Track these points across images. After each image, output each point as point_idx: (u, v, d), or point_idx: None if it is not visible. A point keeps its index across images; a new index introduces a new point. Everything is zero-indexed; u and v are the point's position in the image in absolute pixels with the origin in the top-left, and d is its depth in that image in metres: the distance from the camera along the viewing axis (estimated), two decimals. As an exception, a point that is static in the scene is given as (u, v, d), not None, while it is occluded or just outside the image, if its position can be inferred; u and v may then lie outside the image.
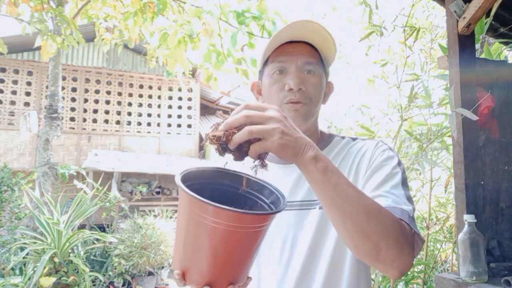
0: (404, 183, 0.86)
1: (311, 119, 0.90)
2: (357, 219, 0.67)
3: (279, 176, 0.92)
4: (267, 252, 0.89)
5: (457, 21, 1.72)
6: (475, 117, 1.57)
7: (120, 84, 10.20)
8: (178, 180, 0.63)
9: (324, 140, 0.99)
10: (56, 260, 3.93)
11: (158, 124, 10.46)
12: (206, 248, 0.63)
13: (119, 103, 10.15)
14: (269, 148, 0.62)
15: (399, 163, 0.88)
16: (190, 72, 4.97)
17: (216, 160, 0.89)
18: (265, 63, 0.93)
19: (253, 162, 0.66)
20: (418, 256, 3.02)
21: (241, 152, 0.63)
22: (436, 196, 2.87)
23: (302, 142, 0.65)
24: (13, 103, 9.22)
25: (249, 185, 0.72)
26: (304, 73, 0.88)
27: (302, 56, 0.88)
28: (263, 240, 0.67)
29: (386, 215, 0.71)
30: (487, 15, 1.91)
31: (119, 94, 10.17)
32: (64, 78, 9.32)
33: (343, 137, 1.00)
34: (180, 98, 10.70)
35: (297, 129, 0.66)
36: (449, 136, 2.28)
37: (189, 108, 10.77)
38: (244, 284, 0.69)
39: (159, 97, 10.52)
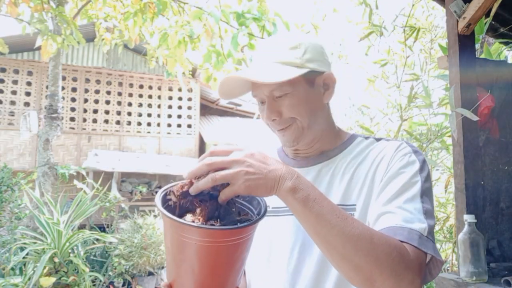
0: (425, 193, 0.76)
1: (306, 133, 0.84)
2: (344, 251, 0.63)
3: None
4: (274, 257, 0.86)
5: (457, 21, 1.72)
6: (475, 117, 1.57)
7: (120, 84, 10.20)
8: (157, 200, 0.66)
9: (343, 141, 0.90)
10: (56, 260, 3.93)
11: (158, 124, 10.46)
12: (187, 262, 0.64)
13: (119, 103, 10.15)
14: (237, 191, 0.62)
15: (422, 169, 0.78)
16: (190, 72, 4.97)
17: None
18: None
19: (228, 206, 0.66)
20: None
21: (211, 201, 0.64)
22: (436, 196, 2.88)
23: (275, 175, 0.64)
24: (13, 103, 9.22)
25: (240, 196, 0.71)
26: (276, 98, 0.82)
27: (265, 86, 0.81)
28: (246, 251, 0.67)
29: (379, 243, 0.64)
30: (487, 15, 1.91)
31: (119, 94, 10.17)
32: (64, 78, 9.32)
33: (366, 138, 0.91)
34: (180, 98, 10.70)
35: (268, 163, 0.65)
36: (449, 136, 2.28)
37: (189, 108, 10.77)
38: None
39: (159, 97, 10.52)
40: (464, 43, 1.73)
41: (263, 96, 0.84)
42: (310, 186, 0.67)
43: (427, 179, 0.78)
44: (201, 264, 0.64)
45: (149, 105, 10.42)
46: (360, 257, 0.63)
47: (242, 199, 0.72)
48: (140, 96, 10.39)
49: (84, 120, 9.80)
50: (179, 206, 0.66)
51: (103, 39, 5.10)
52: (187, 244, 0.62)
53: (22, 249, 4.08)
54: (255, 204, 0.72)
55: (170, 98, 10.63)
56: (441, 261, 0.72)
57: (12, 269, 4.22)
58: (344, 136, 0.92)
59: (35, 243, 4.01)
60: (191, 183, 0.65)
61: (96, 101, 9.94)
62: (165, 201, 0.68)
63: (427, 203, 0.74)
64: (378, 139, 0.88)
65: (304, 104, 0.83)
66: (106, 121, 10.01)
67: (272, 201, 0.81)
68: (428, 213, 0.73)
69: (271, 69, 0.80)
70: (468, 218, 1.48)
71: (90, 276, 4.20)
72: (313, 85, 0.84)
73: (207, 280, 0.66)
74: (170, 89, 10.58)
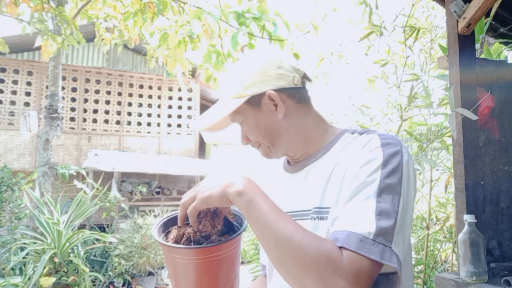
0: (385, 191, 0.69)
1: (272, 150, 0.88)
2: (276, 252, 0.66)
3: (285, 183, 0.93)
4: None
5: (457, 21, 1.72)
6: (474, 117, 1.57)
7: (120, 84, 10.20)
8: (153, 230, 0.80)
9: (330, 140, 0.87)
10: (56, 260, 3.92)
11: (158, 124, 10.46)
12: (183, 280, 0.75)
13: (119, 103, 10.15)
14: (196, 205, 0.74)
15: (385, 164, 0.71)
16: (190, 73, 4.97)
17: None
18: None
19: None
20: (418, 256, 3.02)
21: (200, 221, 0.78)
22: (436, 196, 2.88)
23: (222, 184, 0.74)
24: (13, 103, 9.22)
25: (233, 218, 0.83)
26: (241, 127, 0.90)
27: (229, 118, 0.90)
28: (233, 263, 0.78)
29: (307, 246, 0.63)
30: (487, 15, 1.91)
31: (119, 94, 10.17)
32: (64, 78, 9.32)
33: (353, 132, 0.86)
34: (180, 98, 10.70)
35: (217, 182, 0.75)
36: (449, 136, 2.28)
37: (189, 108, 10.77)
38: None
39: (159, 97, 10.52)
40: (464, 43, 1.73)
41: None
42: (256, 190, 0.71)
43: (391, 174, 0.70)
44: (191, 278, 0.74)
45: (149, 105, 10.42)
46: (288, 260, 0.64)
47: (235, 221, 0.83)
48: (140, 96, 10.39)
49: (84, 120, 9.80)
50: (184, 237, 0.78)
51: (103, 39, 5.10)
52: (176, 263, 0.74)
53: (22, 249, 4.08)
54: (243, 223, 0.82)
55: (170, 98, 10.63)
56: (396, 268, 0.64)
57: (12, 269, 4.22)
58: (333, 134, 0.88)
59: (35, 243, 4.01)
60: (179, 227, 0.79)
61: (96, 101, 9.94)
62: (165, 230, 0.83)
63: (386, 201, 0.67)
64: (361, 133, 0.83)
65: (258, 127, 0.86)
66: (106, 121, 10.01)
67: (288, 205, 0.84)
68: (383, 213, 0.66)
69: (221, 105, 0.88)
70: (468, 218, 1.48)
71: (90, 276, 4.20)
72: (260, 107, 0.85)
73: None
74: (170, 89, 10.58)
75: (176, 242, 0.75)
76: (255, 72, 0.84)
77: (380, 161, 0.71)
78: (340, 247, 0.63)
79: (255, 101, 0.84)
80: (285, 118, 0.85)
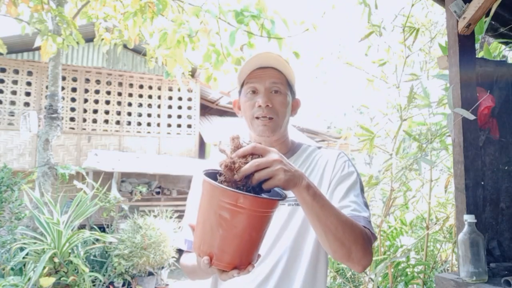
0: (362, 191, 1.08)
1: (278, 130, 1.10)
2: (336, 232, 0.88)
3: None
4: None
5: (457, 21, 1.72)
6: (472, 117, 1.57)
7: (120, 84, 10.20)
8: (204, 176, 0.79)
9: (293, 148, 1.18)
10: (56, 260, 3.92)
11: (158, 124, 10.45)
12: (234, 232, 0.76)
13: (119, 103, 10.14)
14: (276, 184, 0.79)
15: (357, 174, 1.10)
16: (190, 73, 4.97)
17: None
18: (242, 85, 1.14)
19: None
20: (418, 256, 3.02)
21: (245, 186, 0.79)
22: (436, 196, 2.87)
23: (299, 174, 0.83)
24: (13, 103, 9.21)
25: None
26: (272, 92, 1.08)
27: (269, 78, 1.08)
28: (267, 226, 0.82)
29: (356, 226, 0.92)
30: (486, 15, 1.91)
31: (119, 94, 10.17)
32: (64, 78, 9.31)
33: (309, 145, 1.20)
34: (180, 98, 10.70)
35: (292, 164, 0.83)
36: (448, 136, 2.28)
37: (189, 108, 10.76)
38: (256, 261, 0.83)
39: (159, 97, 10.52)
40: (464, 43, 1.73)
41: (261, 86, 1.08)
42: (314, 185, 0.87)
43: (361, 180, 1.10)
44: (249, 233, 0.77)
45: (149, 105, 10.41)
46: (346, 236, 0.89)
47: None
48: (140, 96, 10.38)
49: (84, 120, 9.80)
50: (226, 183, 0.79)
51: (102, 39, 5.09)
52: (238, 214, 0.74)
53: (22, 249, 4.08)
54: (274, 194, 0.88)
55: (170, 98, 10.62)
56: (375, 237, 1.01)
57: (12, 269, 4.22)
58: (294, 144, 1.19)
59: (35, 243, 4.01)
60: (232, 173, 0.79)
61: (96, 101, 9.94)
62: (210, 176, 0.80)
63: (365, 198, 1.07)
64: (319, 147, 1.19)
65: (286, 106, 1.10)
66: (106, 121, 10.00)
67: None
68: (367, 205, 1.04)
69: (288, 70, 1.10)
70: (468, 218, 1.47)
71: (90, 276, 4.20)
72: (291, 98, 1.14)
73: (249, 248, 0.79)
74: (170, 89, 10.58)
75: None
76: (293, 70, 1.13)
77: (356, 172, 1.10)
78: (364, 226, 0.96)
79: (292, 95, 1.15)
80: (290, 116, 1.15)
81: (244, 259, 0.79)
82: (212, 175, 0.83)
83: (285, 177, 0.78)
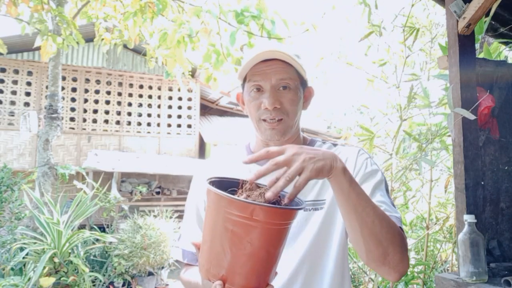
0: (388, 191, 0.95)
1: (290, 131, 0.97)
2: (373, 226, 0.76)
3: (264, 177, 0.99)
4: None
5: (457, 21, 1.72)
6: (472, 117, 1.57)
7: (120, 84, 10.20)
8: (211, 187, 0.67)
9: (307, 143, 1.05)
10: (56, 260, 3.92)
11: (158, 124, 10.45)
12: (249, 250, 0.65)
13: (119, 103, 10.14)
14: (310, 176, 0.68)
15: (382, 173, 0.97)
16: (190, 73, 4.97)
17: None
18: (245, 79, 0.99)
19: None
20: (418, 256, 3.02)
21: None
22: (436, 196, 2.87)
23: (330, 155, 0.72)
24: (13, 103, 9.21)
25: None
26: (280, 89, 0.94)
27: (276, 74, 0.93)
28: (285, 239, 0.71)
29: (393, 224, 0.80)
30: (487, 15, 1.91)
31: (119, 94, 10.16)
32: (64, 78, 9.31)
33: (324, 142, 1.06)
34: (180, 98, 10.70)
35: (315, 148, 0.73)
36: (448, 136, 2.28)
37: (189, 108, 10.76)
38: (272, 280, 0.73)
39: (159, 97, 10.51)
40: (464, 43, 1.73)
41: (266, 84, 0.93)
42: (350, 171, 0.76)
43: (385, 178, 0.97)
44: (266, 250, 0.66)
45: (149, 105, 10.41)
46: (383, 233, 0.76)
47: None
48: (140, 96, 10.38)
49: (84, 120, 9.80)
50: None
51: (102, 39, 5.09)
52: (253, 229, 0.64)
53: (22, 249, 4.08)
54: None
55: (170, 98, 10.62)
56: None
57: (12, 269, 4.22)
58: (306, 140, 1.06)
59: (35, 243, 4.01)
60: (252, 183, 0.71)
61: (96, 101, 9.94)
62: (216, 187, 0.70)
63: (391, 198, 0.95)
64: (334, 144, 1.05)
65: (297, 103, 0.96)
66: (106, 121, 10.00)
67: None
68: (395, 206, 0.92)
69: (294, 59, 0.93)
70: (468, 218, 1.47)
71: (90, 276, 4.20)
72: (302, 92, 0.99)
73: (266, 267, 0.68)
74: (170, 89, 10.58)
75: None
76: (309, 67, 1.03)
77: (380, 169, 0.97)
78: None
79: (304, 86, 1.00)
80: (303, 110, 1.02)
81: (261, 281, 0.68)
82: (217, 183, 0.73)
83: (316, 165, 0.68)
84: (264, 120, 0.94)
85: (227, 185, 0.75)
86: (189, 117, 10.72)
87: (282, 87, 0.94)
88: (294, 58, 0.93)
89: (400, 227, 0.83)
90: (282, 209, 0.66)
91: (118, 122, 10.09)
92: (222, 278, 0.67)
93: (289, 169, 0.67)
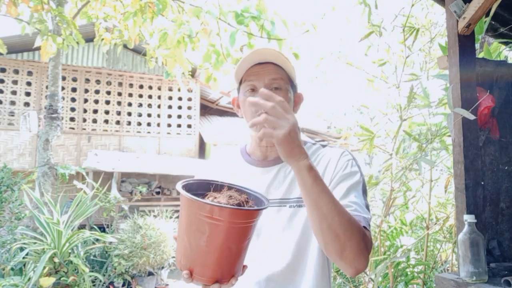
0: (365, 192, 1.01)
1: None
2: (332, 222, 0.81)
3: (256, 176, 1.07)
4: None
5: (457, 21, 1.72)
6: (472, 117, 1.57)
7: (120, 84, 10.20)
8: (180, 189, 0.76)
9: None
10: (56, 260, 3.92)
11: (158, 124, 10.45)
12: (212, 246, 0.73)
13: (119, 103, 10.14)
14: (274, 136, 0.75)
15: (361, 174, 1.03)
16: (190, 73, 4.97)
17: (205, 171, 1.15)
18: (240, 82, 1.07)
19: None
20: (418, 256, 3.02)
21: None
22: (436, 196, 2.87)
23: (301, 149, 0.79)
24: (13, 103, 9.21)
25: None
26: (272, 89, 1.00)
27: (268, 75, 1.01)
28: (251, 235, 0.80)
29: (354, 222, 0.85)
30: (487, 15, 1.91)
31: (119, 94, 10.16)
32: (64, 78, 9.31)
33: (314, 143, 1.14)
34: (180, 98, 10.70)
35: (300, 139, 0.79)
36: (448, 136, 2.28)
37: (189, 108, 10.76)
38: (242, 273, 0.81)
39: (159, 97, 10.51)
40: (464, 43, 1.73)
41: (260, 84, 1.01)
42: (317, 170, 0.82)
43: (364, 181, 1.03)
44: (228, 245, 0.74)
45: (149, 105, 10.41)
46: (341, 229, 0.82)
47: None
48: (140, 96, 10.38)
49: (84, 120, 9.80)
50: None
51: (102, 39, 5.09)
52: (215, 227, 0.72)
53: (22, 249, 4.08)
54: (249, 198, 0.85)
55: (170, 98, 10.62)
56: (372, 243, 0.94)
57: (12, 269, 4.22)
58: None
59: (35, 243, 4.01)
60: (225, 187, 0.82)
61: (96, 101, 9.94)
62: (186, 190, 0.78)
63: (366, 200, 1.00)
64: (324, 145, 1.12)
65: (288, 103, 1.00)
66: (106, 121, 10.00)
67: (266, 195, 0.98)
68: (368, 208, 0.98)
69: (284, 61, 1.01)
70: (468, 218, 1.48)
71: (90, 276, 4.20)
72: (293, 95, 1.07)
73: (230, 261, 0.76)
74: (170, 89, 10.58)
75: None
76: (298, 74, 1.09)
77: (359, 172, 1.02)
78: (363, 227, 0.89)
79: (294, 90, 1.08)
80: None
81: (226, 273, 0.76)
82: (195, 185, 0.82)
83: (285, 136, 0.75)
84: None
85: (205, 186, 0.84)
86: (189, 117, 10.72)
87: (274, 87, 1.01)
88: (286, 60, 1.01)
89: (365, 227, 0.89)
90: (241, 210, 0.73)
91: (118, 122, 10.09)
92: (190, 269, 0.76)
93: (272, 118, 0.75)
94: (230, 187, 0.85)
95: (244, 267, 0.81)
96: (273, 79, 1.01)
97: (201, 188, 0.83)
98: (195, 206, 0.73)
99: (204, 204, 0.71)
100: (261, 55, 1.01)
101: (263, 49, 1.01)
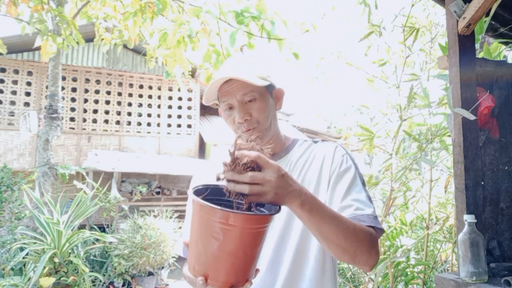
0: (364, 184, 1.04)
1: (267, 135, 1.07)
2: (338, 240, 0.86)
3: None
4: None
5: (457, 21, 1.72)
6: (472, 117, 1.57)
7: (120, 84, 10.20)
8: (193, 196, 0.76)
9: (288, 144, 1.14)
10: (56, 260, 3.92)
11: (158, 124, 10.45)
12: (227, 251, 0.74)
13: (119, 103, 10.14)
14: (261, 202, 0.76)
15: (356, 167, 1.05)
16: (190, 73, 4.97)
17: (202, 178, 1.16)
18: (219, 100, 1.10)
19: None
20: (418, 256, 3.02)
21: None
22: (436, 196, 2.87)
23: (292, 195, 0.79)
24: (13, 103, 9.21)
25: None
26: (247, 102, 1.03)
27: (238, 91, 1.02)
28: (263, 240, 0.80)
29: (359, 231, 0.90)
30: (487, 15, 1.91)
31: (119, 94, 10.16)
32: (64, 78, 9.31)
33: (305, 140, 1.16)
34: (180, 98, 10.70)
35: (290, 183, 0.79)
36: (448, 136, 2.28)
37: (189, 108, 10.76)
38: (254, 277, 0.82)
39: (159, 97, 10.52)
40: (464, 43, 1.73)
41: (234, 101, 1.03)
42: (314, 199, 0.84)
43: (361, 172, 1.05)
44: (243, 250, 0.74)
45: (149, 105, 10.41)
46: (348, 243, 0.87)
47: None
48: (140, 96, 10.38)
49: (84, 120, 9.80)
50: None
51: (102, 39, 5.09)
52: (230, 232, 0.72)
53: (22, 249, 4.08)
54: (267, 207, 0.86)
55: (170, 98, 10.62)
56: (382, 230, 0.98)
57: (12, 269, 4.22)
58: (289, 140, 1.16)
59: (35, 243, 4.01)
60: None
61: (96, 101, 9.94)
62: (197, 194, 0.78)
63: (367, 191, 1.02)
64: (315, 141, 1.14)
65: (267, 109, 1.05)
66: (106, 121, 10.00)
67: None
68: (370, 199, 1.00)
69: (248, 74, 1.00)
70: (468, 218, 1.47)
71: (90, 276, 4.20)
72: (271, 96, 1.08)
73: (244, 265, 0.76)
74: (170, 89, 10.58)
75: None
76: (272, 69, 1.07)
77: (354, 165, 1.05)
78: (368, 226, 0.93)
79: (270, 90, 1.08)
80: (276, 113, 1.11)
81: (240, 277, 0.76)
82: (203, 190, 0.82)
83: (272, 199, 0.76)
84: (242, 132, 1.05)
85: (216, 191, 0.83)
86: (189, 117, 10.72)
87: (248, 100, 1.03)
88: (247, 77, 0.99)
89: (370, 225, 0.93)
90: (254, 216, 0.74)
91: (118, 122, 10.09)
92: (205, 275, 0.76)
93: (256, 186, 0.74)
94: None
95: (257, 270, 0.82)
96: (244, 94, 1.02)
97: (211, 193, 0.83)
98: (209, 212, 0.73)
99: (218, 210, 0.71)
100: (224, 73, 1.03)
101: (225, 66, 1.06)
